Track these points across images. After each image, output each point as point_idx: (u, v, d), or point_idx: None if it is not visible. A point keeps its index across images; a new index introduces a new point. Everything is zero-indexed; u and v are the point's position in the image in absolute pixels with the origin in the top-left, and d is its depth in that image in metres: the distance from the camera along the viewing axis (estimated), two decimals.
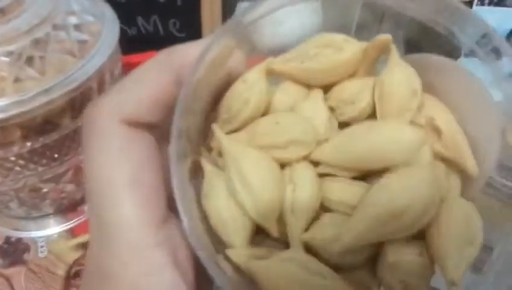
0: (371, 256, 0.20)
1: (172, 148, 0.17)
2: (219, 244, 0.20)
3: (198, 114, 0.21)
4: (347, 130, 0.21)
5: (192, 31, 0.73)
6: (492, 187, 0.22)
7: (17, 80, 0.38)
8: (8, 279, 0.49)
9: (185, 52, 0.19)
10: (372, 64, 0.22)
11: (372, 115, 0.21)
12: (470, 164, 0.21)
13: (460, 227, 0.18)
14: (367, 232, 0.18)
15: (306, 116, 0.21)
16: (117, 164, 0.18)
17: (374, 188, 0.18)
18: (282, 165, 0.20)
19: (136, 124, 0.19)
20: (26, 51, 0.39)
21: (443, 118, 0.21)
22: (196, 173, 0.20)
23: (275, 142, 0.20)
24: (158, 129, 0.20)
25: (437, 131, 0.21)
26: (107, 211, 0.18)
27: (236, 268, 0.19)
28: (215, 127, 0.20)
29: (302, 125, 0.20)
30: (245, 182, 0.19)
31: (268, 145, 0.20)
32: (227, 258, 0.19)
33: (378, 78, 0.21)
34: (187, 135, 0.19)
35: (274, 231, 0.19)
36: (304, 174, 0.20)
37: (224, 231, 0.19)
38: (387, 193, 0.18)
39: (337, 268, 0.19)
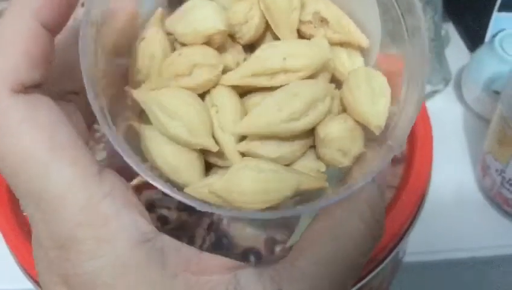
0: (309, 145, 0.22)
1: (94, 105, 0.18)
2: None
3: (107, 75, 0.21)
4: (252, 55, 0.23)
5: None
6: None
7: None
8: None
9: None
10: None
11: (268, 28, 0.24)
12: (360, 38, 0.23)
13: (369, 85, 0.21)
14: (264, 116, 0.20)
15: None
16: (29, 136, 0.17)
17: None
18: (202, 96, 0.22)
19: (25, 89, 0.18)
20: None
21: (326, 8, 0.23)
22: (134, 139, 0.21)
23: (178, 70, 0.21)
24: (45, 87, 0.19)
25: (324, 21, 0.23)
26: (40, 183, 0.17)
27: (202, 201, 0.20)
28: (127, 88, 0.22)
29: (202, 50, 0.22)
30: (170, 113, 0.20)
31: (174, 74, 0.21)
32: (189, 197, 0.20)
33: None
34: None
35: (214, 146, 0.20)
36: (222, 95, 0.22)
37: (177, 175, 0.21)
38: (282, 88, 0.21)
39: (284, 162, 0.21)
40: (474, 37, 0.59)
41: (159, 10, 0.23)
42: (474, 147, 0.52)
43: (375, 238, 0.21)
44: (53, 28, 0.19)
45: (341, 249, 0.19)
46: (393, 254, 0.35)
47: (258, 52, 0.22)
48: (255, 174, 0.19)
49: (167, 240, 0.18)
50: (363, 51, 0.24)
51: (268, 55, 0.21)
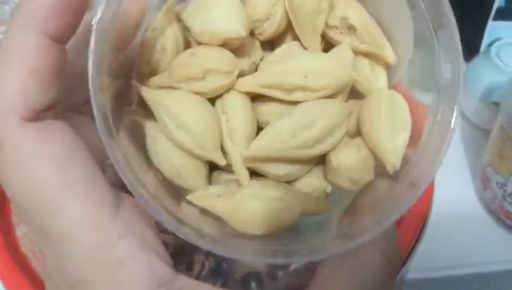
0: (318, 163, 0.21)
1: (99, 122, 0.17)
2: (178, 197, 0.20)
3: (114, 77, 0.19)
4: (265, 62, 0.22)
5: None
6: None
7: None
8: None
9: (40, 1, 0.16)
10: None
11: (289, 24, 0.22)
12: (388, 53, 0.22)
13: (390, 115, 0.20)
14: (277, 141, 0.19)
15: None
16: (40, 168, 0.16)
17: (291, 108, 0.20)
18: (213, 100, 0.21)
19: (37, 114, 0.16)
20: None
21: (356, 15, 0.21)
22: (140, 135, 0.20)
23: (191, 73, 0.20)
24: (61, 106, 0.18)
25: (352, 28, 0.21)
26: (50, 221, 0.16)
27: (202, 210, 0.20)
28: (134, 82, 0.20)
29: (218, 53, 0.20)
30: (178, 122, 0.19)
31: (185, 77, 0.20)
32: (191, 203, 0.20)
33: None
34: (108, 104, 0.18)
35: (221, 160, 0.20)
36: (234, 102, 0.20)
37: (181, 180, 0.20)
38: (299, 108, 0.20)
39: (289, 179, 0.21)
40: (469, 46, 0.58)
41: (171, 0, 0.20)
42: (473, 158, 0.51)
43: (393, 268, 0.20)
44: (62, 38, 0.17)
45: (361, 281, 0.19)
46: (398, 276, 0.34)
47: (278, 62, 0.21)
48: (262, 205, 0.19)
49: (184, 281, 0.17)
50: (389, 67, 0.22)
51: (288, 69, 0.20)
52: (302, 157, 0.20)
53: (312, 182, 0.21)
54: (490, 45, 0.53)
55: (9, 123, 0.16)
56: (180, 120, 0.19)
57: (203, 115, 0.19)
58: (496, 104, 0.49)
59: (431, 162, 0.18)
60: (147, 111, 0.21)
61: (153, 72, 0.21)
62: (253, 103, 0.21)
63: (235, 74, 0.20)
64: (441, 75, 0.19)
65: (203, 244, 0.17)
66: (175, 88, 0.20)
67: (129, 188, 0.17)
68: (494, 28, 0.56)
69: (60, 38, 0.17)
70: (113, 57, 0.18)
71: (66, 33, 0.17)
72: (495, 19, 0.56)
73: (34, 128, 0.16)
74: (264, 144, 0.19)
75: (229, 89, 0.21)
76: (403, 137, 0.20)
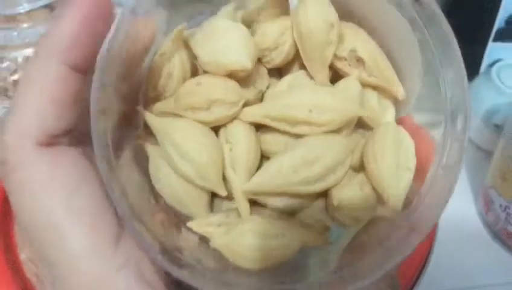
0: (320, 195, 0.21)
1: (97, 151, 0.16)
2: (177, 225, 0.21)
3: (119, 105, 0.20)
4: (271, 92, 0.22)
5: None
6: None
7: None
8: None
9: (63, 32, 0.17)
10: (286, 7, 0.22)
11: (297, 52, 0.22)
12: (396, 88, 0.21)
13: (395, 154, 0.19)
14: (278, 177, 0.19)
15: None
16: (48, 195, 0.16)
17: (293, 142, 0.20)
18: (217, 129, 0.21)
19: (52, 140, 0.17)
20: None
21: (365, 47, 0.21)
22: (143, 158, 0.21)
23: (196, 103, 0.20)
24: (77, 132, 0.18)
25: (361, 61, 0.21)
26: (53, 248, 0.16)
27: (202, 238, 0.20)
28: (140, 108, 0.20)
29: (223, 84, 0.20)
30: (181, 152, 0.19)
31: (191, 106, 0.20)
32: (191, 230, 0.20)
33: (294, 17, 0.21)
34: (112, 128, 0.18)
35: (222, 191, 0.20)
36: (238, 132, 0.20)
37: (182, 206, 0.20)
38: (302, 143, 0.19)
39: (290, 211, 0.21)
40: (469, 67, 0.58)
41: (182, 25, 0.21)
42: (474, 179, 0.50)
43: None
44: (83, 68, 0.17)
45: None
46: None
47: (283, 94, 0.20)
48: (260, 242, 0.19)
49: None
50: (397, 100, 0.22)
51: (293, 103, 0.20)
52: (303, 193, 0.20)
53: (313, 214, 0.21)
54: (490, 65, 0.53)
55: (24, 147, 0.16)
56: (184, 150, 0.19)
57: (206, 146, 0.19)
58: (498, 126, 0.49)
59: (434, 209, 0.18)
60: (151, 136, 0.21)
61: (159, 97, 0.21)
62: (258, 131, 0.21)
63: (240, 104, 0.20)
64: (447, 109, 0.19)
65: (198, 283, 0.17)
66: (180, 116, 0.20)
67: (126, 226, 0.17)
68: (494, 49, 0.57)
69: (81, 68, 0.17)
70: (120, 81, 0.19)
71: (87, 63, 0.17)
72: (495, 40, 0.57)
73: (48, 154, 0.17)
74: (265, 178, 0.19)
75: (234, 118, 0.21)
76: (407, 177, 0.19)
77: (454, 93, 0.19)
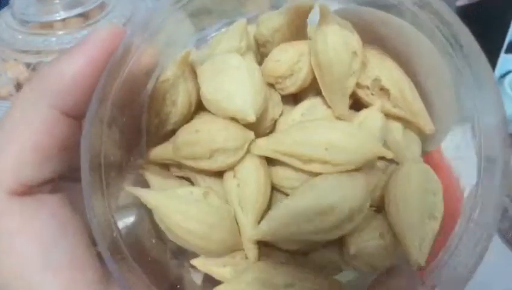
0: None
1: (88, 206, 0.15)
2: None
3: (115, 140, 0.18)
4: (284, 120, 0.20)
5: None
6: None
7: None
8: None
9: (59, 73, 0.15)
10: (302, 28, 0.21)
11: (315, 78, 0.20)
12: (424, 122, 0.19)
13: (419, 199, 0.17)
14: (290, 225, 0.17)
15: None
16: (20, 250, 0.15)
17: (306, 184, 0.18)
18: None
19: (30, 189, 0.15)
20: None
21: (389, 76, 0.19)
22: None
23: (197, 154, 0.18)
24: (69, 175, 0.17)
25: (385, 90, 0.19)
26: None
27: (207, 277, 0.19)
28: (141, 161, 0.19)
29: (224, 130, 0.18)
30: (179, 239, 0.18)
31: (191, 156, 0.18)
32: (195, 268, 0.19)
33: (312, 44, 0.19)
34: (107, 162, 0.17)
35: (227, 275, 0.18)
36: (247, 169, 0.19)
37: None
38: (317, 189, 0.17)
39: (303, 252, 0.19)
40: None
41: (187, 50, 0.19)
42: None
43: None
44: (77, 113, 0.16)
45: None
46: None
47: (297, 127, 0.18)
48: None
49: None
50: (425, 134, 0.20)
51: (307, 139, 0.18)
52: (316, 241, 0.18)
53: (327, 255, 0.19)
54: (503, 76, 0.53)
55: None
56: (182, 239, 0.17)
57: (210, 224, 0.18)
58: (510, 135, 0.49)
59: (463, 269, 0.16)
60: (153, 167, 0.20)
61: (162, 124, 0.20)
62: (269, 163, 0.20)
63: (246, 147, 0.18)
64: (481, 157, 0.17)
65: None
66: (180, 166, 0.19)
67: (115, 279, 0.15)
68: (506, 61, 0.57)
69: (75, 114, 0.16)
70: (119, 112, 0.17)
71: (82, 109, 0.16)
72: (507, 51, 0.57)
73: (21, 203, 0.15)
74: (276, 226, 0.17)
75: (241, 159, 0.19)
76: (432, 226, 0.17)
77: (490, 141, 0.16)
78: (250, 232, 0.18)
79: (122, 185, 0.18)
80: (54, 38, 0.38)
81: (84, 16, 0.39)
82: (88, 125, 0.15)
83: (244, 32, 0.21)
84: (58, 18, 0.38)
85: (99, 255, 0.16)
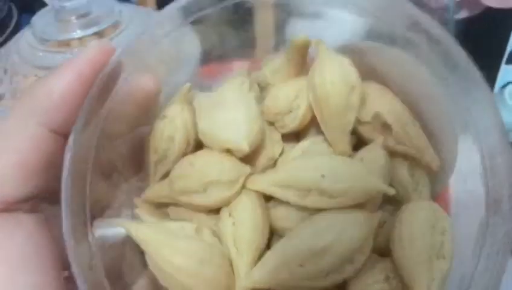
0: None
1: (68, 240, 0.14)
2: None
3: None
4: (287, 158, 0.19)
5: None
6: None
7: None
8: None
9: (48, 90, 0.15)
10: (302, 64, 0.21)
11: (315, 118, 0.19)
12: (429, 157, 0.18)
13: (427, 238, 0.16)
14: (281, 271, 0.16)
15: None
16: None
17: (303, 223, 0.17)
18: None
19: (9, 206, 0.15)
20: None
21: (391, 111, 0.18)
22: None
23: (191, 187, 0.18)
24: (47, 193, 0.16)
25: (387, 126, 0.18)
26: None
27: None
28: (138, 211, 0.19)
29: (219, 163, 0.18)
30: (174, 268, 0.16)
31: (185, 190, 0.18)
32: None
33: (309, 77, 0.19)
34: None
35: None
36: (242, 206, 0.18)
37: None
38: (311, 228, 0.16)
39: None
40: None
41: (186, 86, 0.19)
42: None
43: None
44: (65, 130, 0.16)
45: None
46: None
47: (294, 159, 0.18)
48: None
49: None
50: (432, 171, 0.19)
51: (304, 165, 0.17)
52: (312, 287, 0.16)
53: None
54: (503, 87, 0.54)
55: None
56: (170, 278, 0.16)
57: (198, 270, 0.16)
58: None
59: None
60: (149, 206, 0.20)
61: (160, 161, 0.19)
62: (269, 203, 0.19)
63: (241, 181, 0.18)
64: (489, 191, 0.16)
65: None
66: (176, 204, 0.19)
67: None
68: (507, 71, 0.58)
69: (63, 131, 0.16)
70: (109, 145, 0.17)
71: (71, 125, 0.16)
72: (508, 62, 0.58)
73: None
74: (267, 272, 0.16)
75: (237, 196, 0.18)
76: (442, 267, 0.16)
77: (499, 177, 0.15)
78: (243, 281, 0.16)
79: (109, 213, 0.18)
80: (71, 56, 0.40)
81: (99, 34, 0.41)
82: (72, 149, 0.15)
83: (247, 77, 0.21)
84: (76, 36, 0.39)
85: (67, 280, 0.15)
